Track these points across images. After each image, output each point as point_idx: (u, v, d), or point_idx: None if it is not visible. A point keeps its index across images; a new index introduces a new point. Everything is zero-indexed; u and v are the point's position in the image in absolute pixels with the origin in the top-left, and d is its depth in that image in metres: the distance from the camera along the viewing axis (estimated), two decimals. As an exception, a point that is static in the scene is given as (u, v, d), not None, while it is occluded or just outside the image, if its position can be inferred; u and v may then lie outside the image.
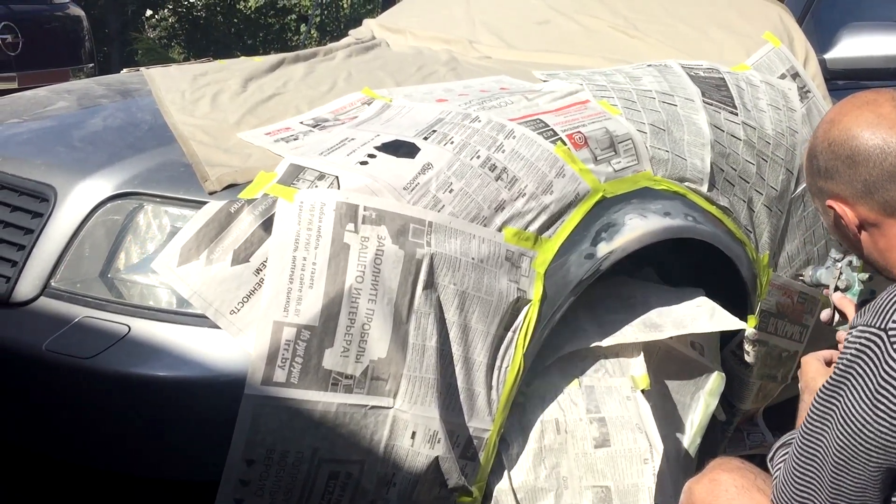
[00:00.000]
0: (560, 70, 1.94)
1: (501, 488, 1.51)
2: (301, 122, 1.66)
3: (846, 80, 2.18)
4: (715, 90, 1.88)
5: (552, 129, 1.60)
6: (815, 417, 1.12)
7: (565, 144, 1.59)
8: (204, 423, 1.33)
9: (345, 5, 10.88)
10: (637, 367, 1.64)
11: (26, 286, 1.45)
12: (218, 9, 9.33)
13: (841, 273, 1.51)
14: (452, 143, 1.52)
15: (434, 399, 1.38)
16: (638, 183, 1.66)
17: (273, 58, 2.12)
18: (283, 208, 1.36)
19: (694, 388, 1.73)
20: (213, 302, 1.33)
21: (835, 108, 1.24)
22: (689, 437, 1.72)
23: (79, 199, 1.48)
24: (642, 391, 1.62)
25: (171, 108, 1.74)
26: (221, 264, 1.33)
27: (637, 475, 1.55)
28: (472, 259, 1.43)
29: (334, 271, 1.33)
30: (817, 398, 1.13)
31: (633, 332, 1.63)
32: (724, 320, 1.68)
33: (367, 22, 2.65)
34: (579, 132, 1.62)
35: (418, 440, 1.38)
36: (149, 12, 9.37)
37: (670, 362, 1.70)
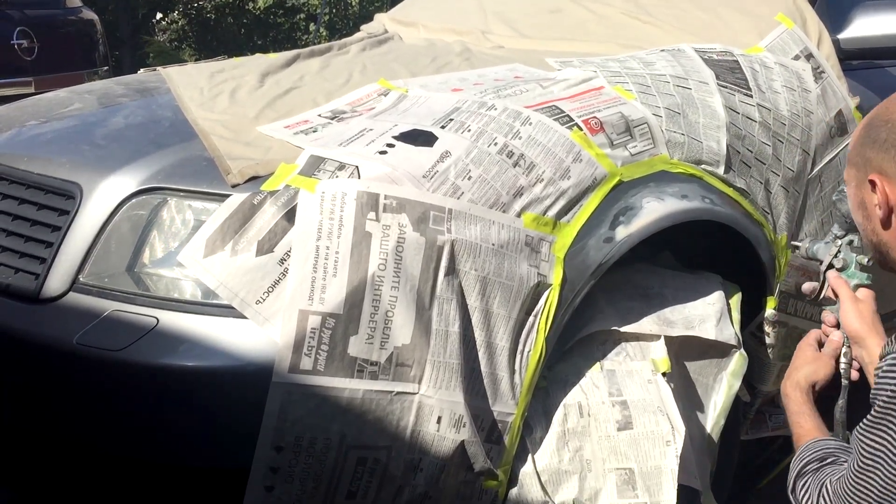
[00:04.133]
0: (573, 58, 1.95)
1: (526, 472, 1.53)
2: (319, 115, 1.68)
3: (860, 60, 2.17)
4: (729, 73, 1.88)
5: (568, 115, 1.62)
6: (865, 457, 1.08)
7: (581, 130, 1.60)
8: (233, 411, 1.35)
9: (353, 3, 10.91)
10: (657, 350, 1.65)
11: (55, 282, 1.47)
12: (227, 10, 9.37)
13: (839, 251, 1.48)
14: (469, 130, 1.53)
15: (458, 384, 1.40)
16: (654, 166, 1.67)
17: (288, 53, 2.14)
18: (305, 199, 1.38)
19: (716, 370, 1.74)
20: (238, 292, 1.35)
21: None
22: (713, 419, 1.73)
23: (104, 195, 1.51)
24: (663, 374, 1.63)
25: (191, 105, 1.77)
26: (246, 255, 1.36)
27: (660, 457, 1.56)
28: (493, 245, 1.44)
29: (357, 259, 1.35)
30: (862, 436, 1.09)
31: (649, 324, 1.65)
32: (727, 330, 1.70)
33: (378, 16, 2.67)
34: (595, 117, 1.63)
35: (444, 425, 1.40)
36: (159, 15, 9.43)
37: (692, 344, 1.71)
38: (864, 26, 2.14)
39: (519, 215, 1.48)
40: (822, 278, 1.49)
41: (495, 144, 1.52)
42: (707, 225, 1.72)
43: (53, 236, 1.51)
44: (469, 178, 1.46)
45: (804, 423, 1.34)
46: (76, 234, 1.50)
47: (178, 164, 1.52)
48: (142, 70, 2.33)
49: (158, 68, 2.19)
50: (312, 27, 10.21)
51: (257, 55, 2.34)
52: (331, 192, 1.38)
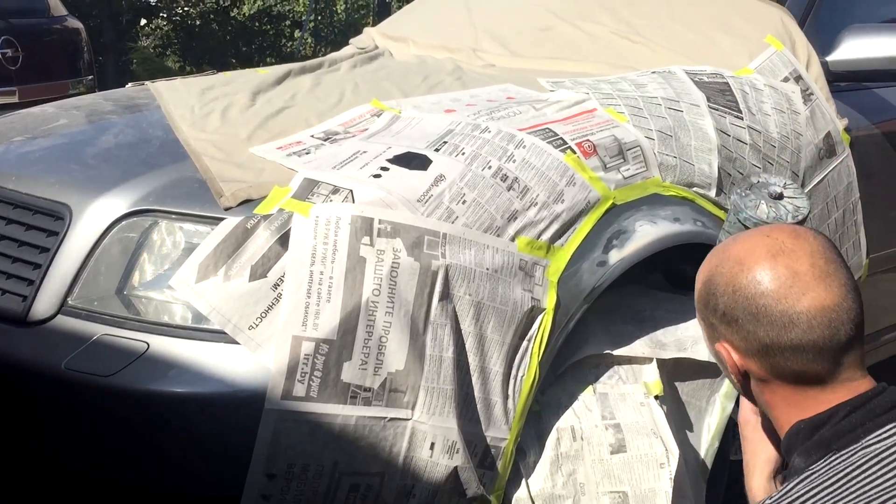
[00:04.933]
0: (565, 78, 1.95)
1: (519, 497, 1.52)
2: (312, 136, 1.66)
3: (848, 82, 2.19)
4: (719, 95, 1.89)
5: (561, 138, 1.62)
6: None
7: (575, 153, 1.60)
8: (225, 438, 1.33)
9: (339, 10, 10.90)
10: (650, 373, 1.65)
11: (43, 305, 1.45)
12: (212, 16, 9.34)
13: None
14: (464, 153, 1.53)
15: (452, 409, 1.39)
16: (647, 189, 1.67)
17: (279, 69, 2.13)
18: (299, 223, 1.37)
19: (709, 392, 1.74)
20: (231, 318, 1.33)
21: (744, 245, 1.09)
22: (707, 442, 1.73)
23: (94, 216, 1.49)
24: (656, 397, 1.63)
25: (182, 124, 1.75)
26: (239, 280, 1.34)
27: (654, 480, 1.56)
28: (487, 269, 1.44)
29: (351, 285, 1.34)
30: None
31: (641, 347, 1.65)
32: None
33: (367, 30, 2.66)
34: (588, 140, 1.63)
35: (437, 451, 1.39)
36: (143, 21, 9.38)
37: (684, 367, 1.71)
38: (853, 49, 2.16)
39: (513, 239, 1.48)
40: None
41: (489, 168, 1.51)
42: (699, 247, 1.72)
43: (42, 258, 1.49)
44: (463, 202, 1.46)
45: None
46: (65, 256, 1.48)
47: (170, 186, 1.51)
48: (129, 84, 2.31)
49: (147, 83, 2.17)
50: (298, 34, 10.19)
51: (248, 70, 2.32)
52: (325, 216, 1.37)
